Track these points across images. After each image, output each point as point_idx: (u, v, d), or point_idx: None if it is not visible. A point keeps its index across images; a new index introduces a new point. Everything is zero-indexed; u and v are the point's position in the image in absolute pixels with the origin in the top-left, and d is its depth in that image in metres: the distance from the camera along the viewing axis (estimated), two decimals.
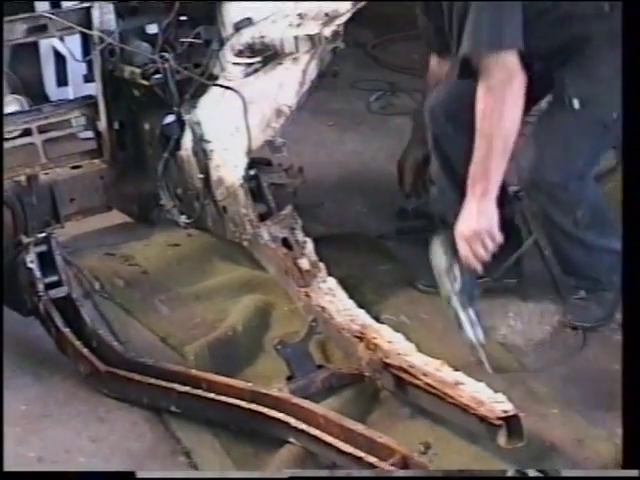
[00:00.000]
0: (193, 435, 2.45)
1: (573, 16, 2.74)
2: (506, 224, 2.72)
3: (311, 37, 2.98)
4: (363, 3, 2.95)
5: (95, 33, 3.15)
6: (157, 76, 3.06)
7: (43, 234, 2.75)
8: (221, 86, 3.11)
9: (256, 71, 3.10)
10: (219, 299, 3.00)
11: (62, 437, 2.47)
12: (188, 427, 2.47)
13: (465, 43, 2.60)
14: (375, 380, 2.58)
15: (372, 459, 2.17)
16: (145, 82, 3.07)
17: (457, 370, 2.46)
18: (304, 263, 2.92)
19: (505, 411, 2.29)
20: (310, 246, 2.97)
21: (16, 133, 3.28)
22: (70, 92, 4.02)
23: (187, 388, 2.47)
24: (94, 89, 3.31)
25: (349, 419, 2.32)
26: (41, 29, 3.12)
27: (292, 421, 2.33)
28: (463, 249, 2.63)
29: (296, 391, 2.48)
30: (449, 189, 2.97)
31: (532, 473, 2.13)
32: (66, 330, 2.64)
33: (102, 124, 3.30)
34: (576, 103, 2.69)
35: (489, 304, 2.95)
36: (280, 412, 2.36)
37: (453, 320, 2.67)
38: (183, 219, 3.25)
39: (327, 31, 2.96)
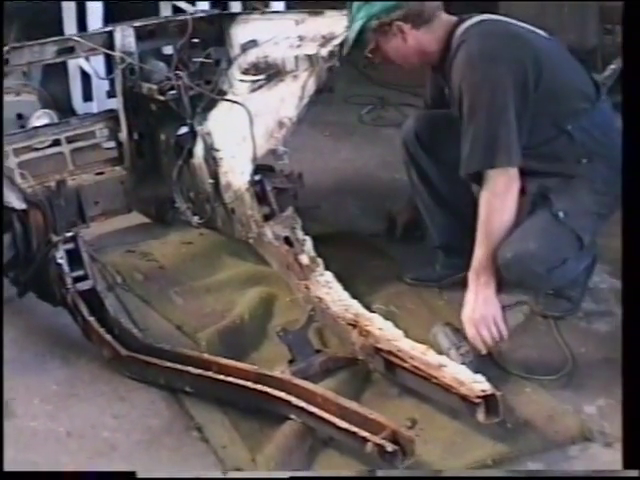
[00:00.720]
0: (205, 412, 2.44)
1: (558, 157, 2.65)
2: None
3: (309, 57, 2.99)
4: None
5: (117, 54, 3.15)
6: (172, 92, 3.06)
7: (71, 233, 2.74)
8: (229, 100, 3.12)
9: (260, 87, 3.10)
10: (228, 291, 3.00)
11: (88, 414, 2.46)
12: (200, 405, 2.47)
13: (474, 162, 2.58)
14: (367, 363, 2.58)
15: (365, 433, 2.17)
16: (161, 97, 3.07)
17: (440, 353, 2.47)
18: (304, 259, 2.91)
19: (483, 390, 2.29)
20: (309, 243, 2.96)
21: (47, 143, 3.29)
22: (94, 106, 4.01)
23: (199, 371, 2.47)
24: (116, 104, 3.30)
25: (344, 398, 2.31)
26: (69, 50, 3.12)
27: (293, 400, 2.32)
28: (471, 333, 2.55)
29: (297, 373, 2.47)
30: (427, 197, 2.98)
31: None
32: (91, 319, 2.64)
33: (123, 135, 3.30)
34: (560, 214, 2.60)
35: None
36: (282, 392, 2.35)
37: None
38: (195, 219, 3.24)
39: (324, 51, 2.97)
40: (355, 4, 2.68)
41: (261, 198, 3.05)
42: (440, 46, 2.66)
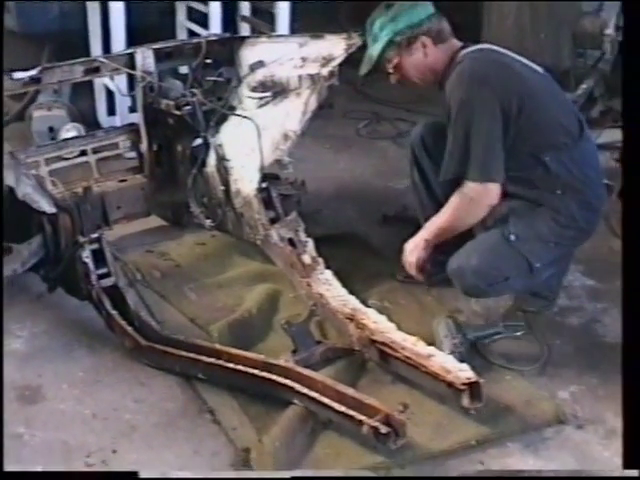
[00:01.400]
0: (216, 397, 2.44)
1: (534, 185, 2.61)
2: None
3: (311, 76, 2.98)
4: (353, 49, 2.95)
5: (138, 73, 3.14)
6: (187, 107, 3.05)
7: (96, 235, 2.73)
8: (239, 115, 3.11)
9: (267, 103, 3.10)
10: (237, 287, 2.99)
11: (111, 398, 2.46)
12: (212, 391, 2.46)
13: (449, 171, 2.58)
14: (363, 353, 2.57)
15: (361, 417, 2.17)
16: (178, 112, 3.06)
17: (429, 345, 2.46)
18: (306, 258, 2.90)
19: (468, 378, 2.29)
20: (311, 245, 2.95)
21: (75, 153, 3.27)
22: (118, 120, 4.00)
23: (211, 359, 2.47)
24: (137, 118, 3.29)
25: (342, 384, 2.32)
26: (95, 70, 3.11)
27: (296, 386, 2.32)
28: (403, 258, 2.74)
29: (299, 362, 2.47)
30: (425, 196, 2.97)
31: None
32: (114, 312, 2.63)
33: (143, 146, 3.29)
34: (512, 237, 2.58)
35: (453, 291, 2.95)
36: (286, 379, 2.35)
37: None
38: (208, 223, 3.23)
39: (324, 71, 2.96)
40: (377, 23, 2.66)
41: (267, 203, 3.04)
42: (445, 66, 2.65)
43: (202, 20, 4.10)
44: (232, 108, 3.15)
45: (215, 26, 3.96)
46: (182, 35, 4.29)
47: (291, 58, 3.08)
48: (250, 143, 3.02)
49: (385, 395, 2.40)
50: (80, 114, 4.18)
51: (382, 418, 2.15)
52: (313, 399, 2.28)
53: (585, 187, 2.61)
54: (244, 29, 4.29)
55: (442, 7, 2.74)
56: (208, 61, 3.21)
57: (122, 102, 3.91)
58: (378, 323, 2.57)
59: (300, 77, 3.01)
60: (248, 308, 2.81)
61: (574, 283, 3.05)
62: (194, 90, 3.08)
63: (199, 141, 3.14)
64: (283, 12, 4.03)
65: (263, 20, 4.20)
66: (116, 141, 3.33)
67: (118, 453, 2.26)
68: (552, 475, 2.20)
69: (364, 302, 2.75)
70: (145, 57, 3.15)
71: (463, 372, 2.30)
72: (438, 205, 2.90)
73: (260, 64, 3.16)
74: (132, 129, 3.32)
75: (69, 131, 3.95)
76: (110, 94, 4.15)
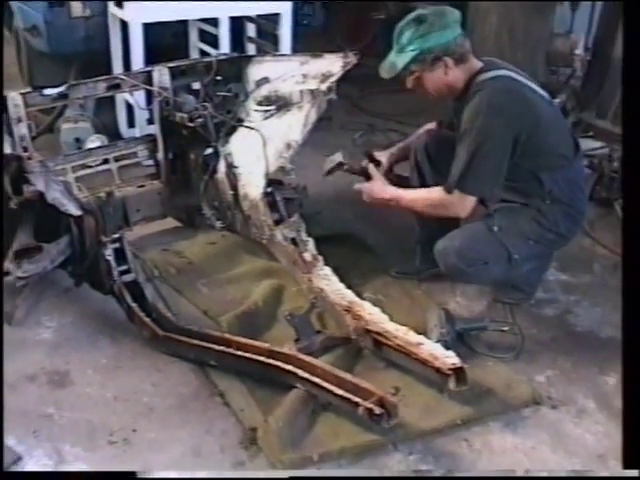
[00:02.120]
0: (226, 381, 2.43)
1: (527, 194, 2.59)
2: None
3: (312, 91, 2.98)
4: (350, 67, 2.94)
5: (155, 89, 3.14)
6: (200, 120, 3.04)
7: (117, 235, 2.72)
8: (246, 127, 3.10)
9: (272, 116, 3.09)
10: (245, 282, 2.97)
11: (131, 383, 2.45)
12: (223, 376, 2.45)
13: (452, 181, 2.52)
14: (359, 342, 2.56)
15: (357, 399, 2.16)
16: (191, 124, 3.05)
17: (419, 334, 2.45)
18: (307, 256, 2.89)
19: (454, 364, 2.28)
20: (311, 244, 2.94)
21: (98, 162, 3.26)
22: (137, 132, 3.99)
23: (222, 348, 2.45)
24: (154, 129, 3.29)
25: (340, 370, 2.31)
26: (116, 87, 3.10)
27: (299, 372, 2.31)
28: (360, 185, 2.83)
29: (301, 350, 2.45)
30: None
31: None
32: (134, 305, 2.62)
33: (160, 155, 3.28)
34: (495, 228, 2.58)
35: (441, 285, 2.94)
36: (289, 365, 2.35)
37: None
38: (219, 224, 3.22)
39: (324, 87, 2.96)
40: (406, 34, 2.54)
41: (272, 206, 3.03)
42: (463, 85, 2.59)
43: (213, 41, 4.09)
44: (240, 120, 3.14)
45: (224, 46, 3.95)
46: (194, 54, 4.28)
47: (293, 75, 3.07)
48: (256, 152, 3.02)
49: (379, 379, 2.40)
50: (103, 126, 4.17)
51: (376, 400, 2.14)
52: (314, 383, 2.28)
53: (572, 203, 2.60)
54: (251, 49, 4.29)
55: None
56: (218, 78, 3.21)
57: (141, 115, 3.90)
58: (373, 314, 2.56)
59: (301, 92, 3.00)
60: (255, 301, 2.80)
61: (549, 277, 3.05)
62: (206, 104, 3.07)
63: (210, 150, 3.13)
64: (286, 34, 4.07)
65: (268, 41, 4.21)
66: (135, 150, 3.33)
67: (138, 432, 2.25)
68: (553, 475, 2.17)
69: (360, 295, 2.74)
70: (161, 74, 3.14)
71: (449, 359, 2.29)
72: None
73: (265, 80, 3.15)
74: (150, 139, 3.31)
75: (93, 142, 3.94)
76: (130, 108, 4.14)
